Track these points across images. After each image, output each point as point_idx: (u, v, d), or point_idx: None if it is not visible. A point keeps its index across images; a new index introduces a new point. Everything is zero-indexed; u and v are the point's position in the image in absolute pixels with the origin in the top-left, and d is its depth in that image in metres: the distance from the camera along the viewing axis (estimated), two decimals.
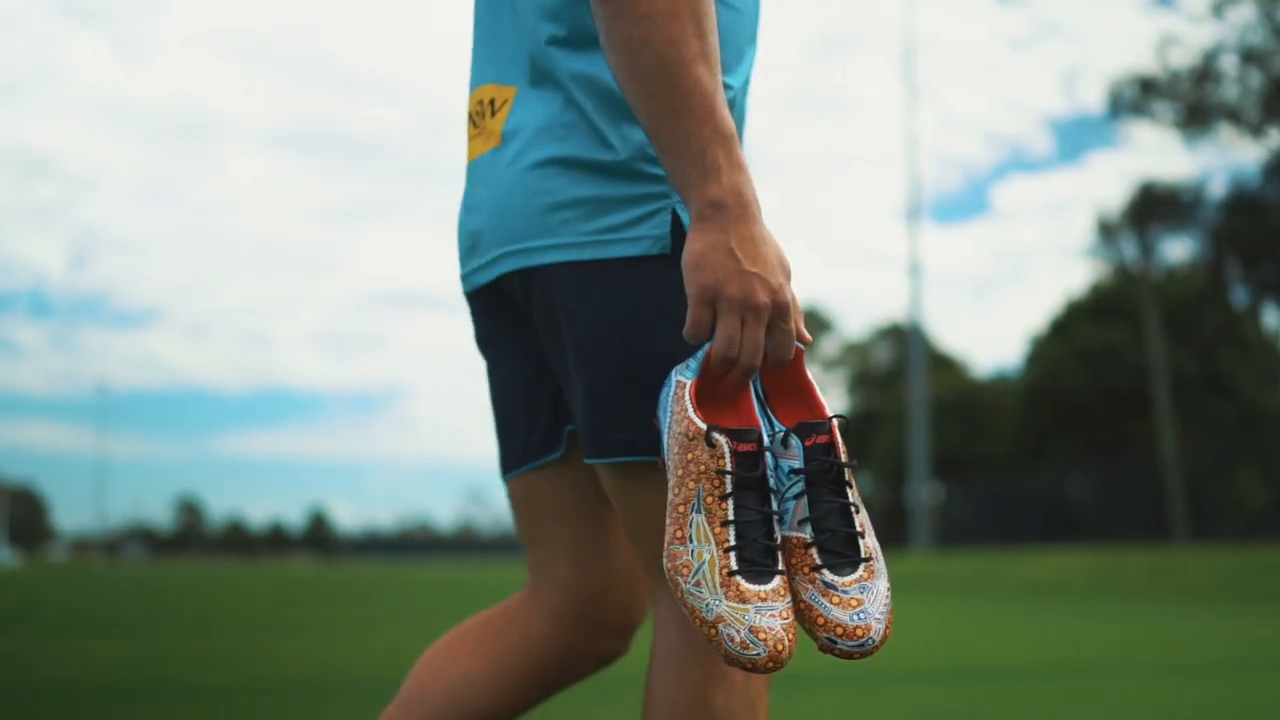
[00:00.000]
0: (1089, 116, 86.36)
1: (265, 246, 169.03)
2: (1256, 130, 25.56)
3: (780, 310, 1.23)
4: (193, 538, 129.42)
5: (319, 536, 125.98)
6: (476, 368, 1.57)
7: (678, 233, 1.33)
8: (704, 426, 1.21)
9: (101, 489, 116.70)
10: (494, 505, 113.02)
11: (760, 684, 1.44)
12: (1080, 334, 36.59)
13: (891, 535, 36.14)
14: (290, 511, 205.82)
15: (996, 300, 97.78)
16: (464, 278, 1.52)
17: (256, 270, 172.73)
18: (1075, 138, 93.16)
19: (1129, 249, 31.06)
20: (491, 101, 1.46)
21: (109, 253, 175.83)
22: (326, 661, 6.41)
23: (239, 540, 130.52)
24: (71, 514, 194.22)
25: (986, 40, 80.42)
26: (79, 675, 5.64)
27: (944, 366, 46.33)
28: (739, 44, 1.43)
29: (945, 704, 4.74)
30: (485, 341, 1.59)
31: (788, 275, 1.25)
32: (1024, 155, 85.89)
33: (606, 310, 1.34)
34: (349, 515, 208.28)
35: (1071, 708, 4.62)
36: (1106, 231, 30.22)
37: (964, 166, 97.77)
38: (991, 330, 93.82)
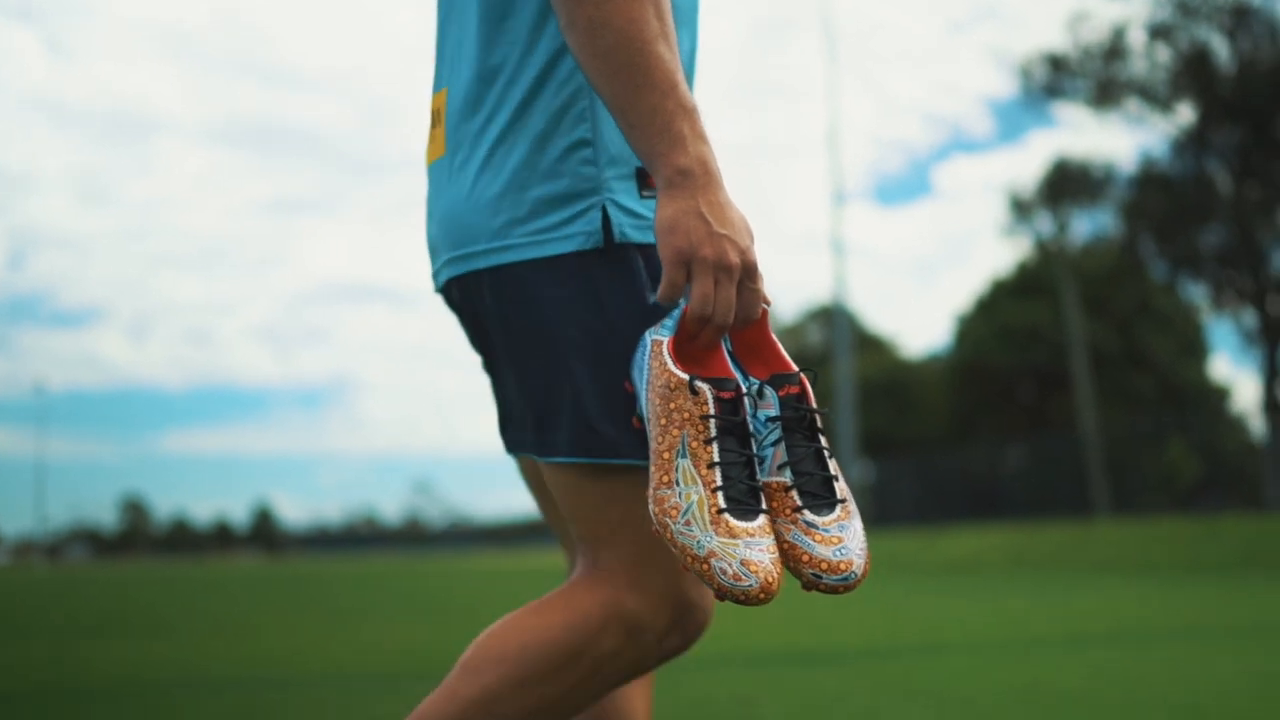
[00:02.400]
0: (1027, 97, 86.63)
1: (206, 242, 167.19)
2: (1165, 106, 25.72)
3: (749, 270, 1.30)
4: (137, 538, 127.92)
5: (265, 533, 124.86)
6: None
7: (608, 228, 1.39)
8: (686, 377, 1.28)
9: (42, 491, 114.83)
10: (441, 497, 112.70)
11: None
12: (1004, 312, 36.82)
13: None
14: (236, 509, 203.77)
15: (938, 280, 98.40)
16: (432, 278, 1.58)
17: (197, 267, 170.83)
18: (1015, 118, 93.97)
19: (1046, 226, 31.28)
20: (442, 107, 1.52)
21: (47, 252, 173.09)
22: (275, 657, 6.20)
23: (184, 539, 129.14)
24: (12, 517, 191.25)
25: (926, 22, 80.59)
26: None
27: (874, 347, 46.53)
28: (682, 19, 1.49)
29: (718, 690, 4.61)
30: (467, 336, 1.63)
31: (752, 238, 1.32)
32: (964, 136, 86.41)
33: (545, 308, 1.40)
34: (296, 510, 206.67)
35: (836, 690, 4.50)
36: (1020, 209, 30.36)
37: (905, 148, 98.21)
38: (931, 310, 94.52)
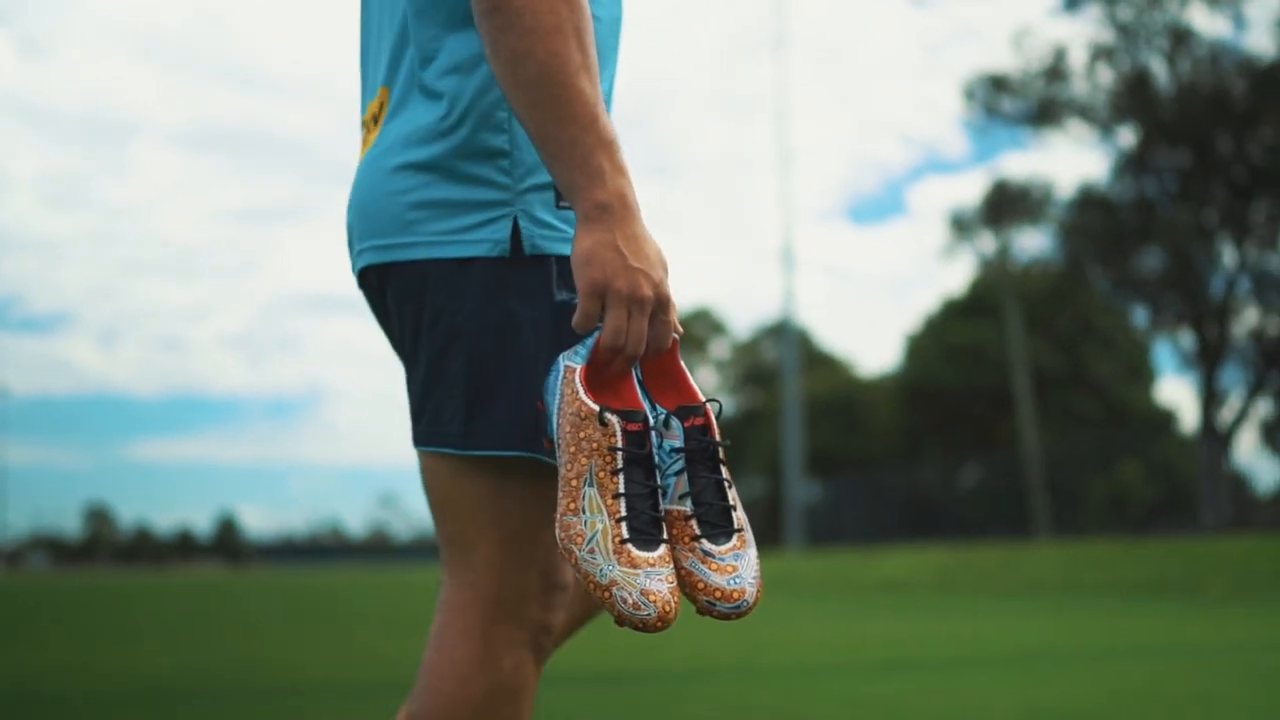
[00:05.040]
0: (1002, 118, 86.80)
1: (179, 249, 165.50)
2: (1105, 128, 25.68)
3: (662, 303, 1.35)
4: (99, 547, 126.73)
5: (228, 543, 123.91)
6: (395, 371, 1.66)
7: (516, 239, 1.42)
8: (596, 408, 1.32)
9: (3, 498, 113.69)
10: (407, 510, 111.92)
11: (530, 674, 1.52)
12: (953, 332, 36.76)
13: (769, 535, 36.02)
14: (201, 519, 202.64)
15: (907, 300, 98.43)
16: (351, 264, 1.61)
17: (170, 273, 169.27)
18: (990, 140, 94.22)
19: (989, 247, 31.23)
20: (373, 107, 1.56)
21: (17, 255, 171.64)
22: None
23: (146, 549, 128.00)
24: None
25: (904, 42, 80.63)
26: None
27: (828, 365, 46.41)
28: (603, 53, 1.50)
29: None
30: (377, 321, 1.66)
31: (666, 271, 1.36)
32: (939, 157, 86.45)
33: (444, 307, 1.44)
34: (262, 521, 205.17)
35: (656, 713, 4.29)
36: (961, 229, 30.28)
37: (880, 167, 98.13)
38: (894, 330, 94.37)
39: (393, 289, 1.49)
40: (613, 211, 1.31)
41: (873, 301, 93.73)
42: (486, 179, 1.44)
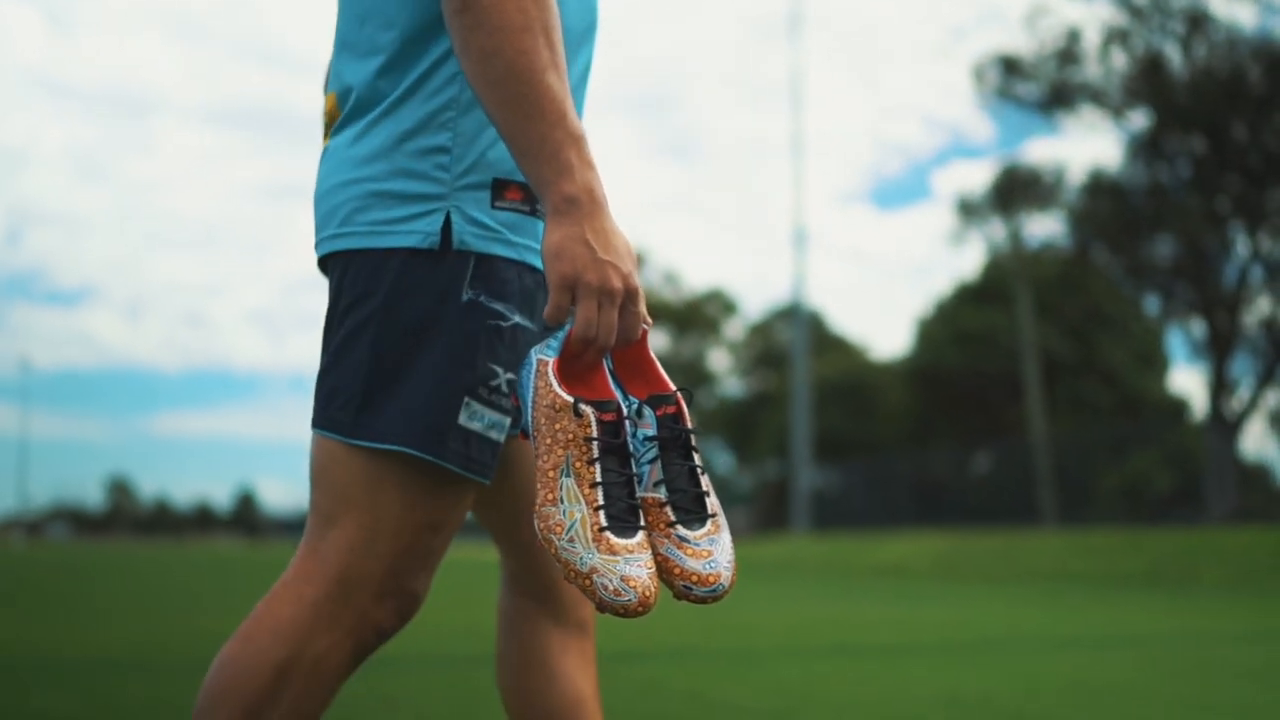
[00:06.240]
0: (1029, 103, 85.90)
1: (204, 224, 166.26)
2: (1117, 113, 25.32)
3: (631, 294, 1.37)
4: (119, 518, 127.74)
5: (246, 516, 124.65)
6: None
7: (447, 233, 1.46)
8: (571, 399, 1.34)
9: (25, 468, 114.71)
10: None
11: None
12: (964, 317, 36.46)
13: (777, 519, 35.91)
14: (221, 492, 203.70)
15: (928, 285, 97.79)
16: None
17: (195, 248, 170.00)
18: (1016, 124, 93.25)
19: (1000, 233, 30.90)
20: (332, 102, 1.60)
21: (43, 229, 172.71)
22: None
23: (166, 521, 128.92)
24: None
25: (929, 25, 79.73)
26: None
27: (838, 348, 46.11)
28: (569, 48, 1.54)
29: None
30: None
31: (635, 263, 1.38)
32: (965, 141, 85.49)
33: (360, 295, 1.47)
34: (283, 496, 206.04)
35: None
36: (968, 213, 29.95)
37: (905, 151, 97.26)
38: (910, 314, 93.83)
39: (331, 277, 1.54)
40: (581, 205, 1.34)
41: (891, 285, 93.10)
42: (424, 174, 1.47)
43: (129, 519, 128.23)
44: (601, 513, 1.32)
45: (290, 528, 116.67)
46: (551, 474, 1.34)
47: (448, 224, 1.46)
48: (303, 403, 1.63)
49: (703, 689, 4.70)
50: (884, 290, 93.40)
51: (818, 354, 41.42)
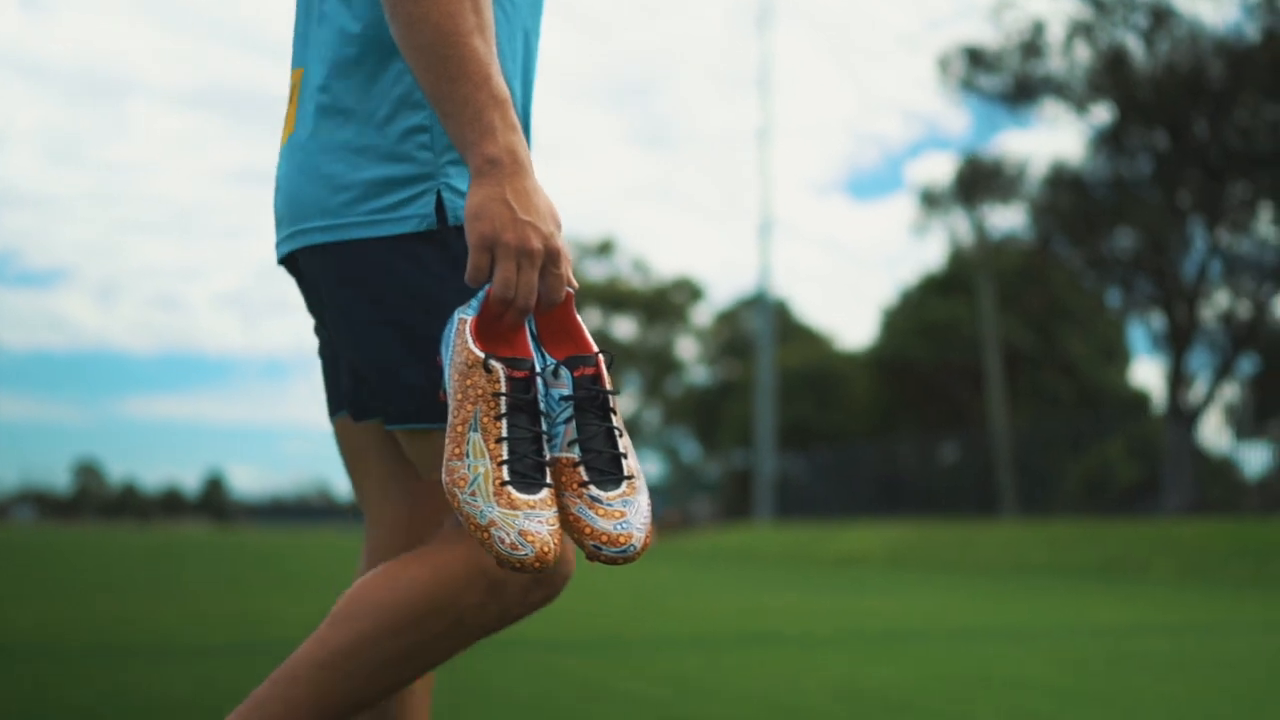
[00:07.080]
0: (993, 95, 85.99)
1: (177, 207, 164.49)
2: (1080, 106, 25.37)
3: (552, 256, 1.37)
4: (86, 502, 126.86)
5: (214, 501, 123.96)
6: None
7: (441, 211, 1.48)
8: (481, 354, 1.35)
9: None
10: None
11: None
12: (929, 308, 36.55)
13: (741, 507, 35.93)
14: (190, 477, 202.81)
15: (897, 275, 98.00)
16: (275, 248, 1.65)
17: (168, 231, 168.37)
18: (989, 117, 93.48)
19: (964, 224, 30.95)
20: (297, 85, 1.59)
21: (15, 211, 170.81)
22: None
23: (133, 504, 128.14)
24: None
25: (904, 17, 79.72)
26: None
27: (805, 338, 46.15)
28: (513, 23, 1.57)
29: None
30: (306, 303, 1.70)
31: (558, 225, 1.39)
32: (940, 133, 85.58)
33: (379, 286, 1.48)
34: (253, 481, 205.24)
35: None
36: (931, 204, 29.99)
37: (881, 143, 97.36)
38: (878, 304, 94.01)
39: (330, 271, 1.52)
40: (503, 166, 1.34)
41: (863, 276, 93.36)
42: (409, 155, 1.48)
43: (95, 503, 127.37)
44: (505, 467, 1.32)
45: (259, 513, 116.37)
46: (460, 429, 1.35)
47: (440, 203, 1.48)
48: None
49: (600, 677, 4.65)
50: (856, 281, 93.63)
51: (784, 343, 41.44)
